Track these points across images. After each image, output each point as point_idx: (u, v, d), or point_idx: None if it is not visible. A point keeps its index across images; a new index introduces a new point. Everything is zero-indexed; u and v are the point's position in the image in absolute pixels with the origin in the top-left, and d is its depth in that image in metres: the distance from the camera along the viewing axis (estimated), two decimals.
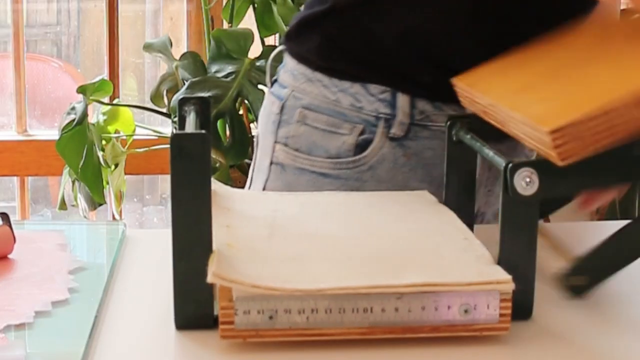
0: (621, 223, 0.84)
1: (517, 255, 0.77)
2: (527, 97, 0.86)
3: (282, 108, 1.17)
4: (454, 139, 0.94)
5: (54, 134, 2.26)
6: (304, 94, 1.15)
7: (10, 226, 0.94)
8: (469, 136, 0.91)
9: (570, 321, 0.84)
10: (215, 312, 0.78)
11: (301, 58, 1.16)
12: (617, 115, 0.76)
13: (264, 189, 1.19)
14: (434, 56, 1.09)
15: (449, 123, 0.94)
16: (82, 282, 0.88)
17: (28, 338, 0.77)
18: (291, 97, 1.17)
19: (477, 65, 0.99)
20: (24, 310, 0.81)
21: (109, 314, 0.83)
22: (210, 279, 0.75)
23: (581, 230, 1.15)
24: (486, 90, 0.91)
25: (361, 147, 1.12)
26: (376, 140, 1.11)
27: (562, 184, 0.80)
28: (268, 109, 1.20)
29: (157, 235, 1.07)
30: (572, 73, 0.87)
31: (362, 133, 1.12)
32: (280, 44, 1.37)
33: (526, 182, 0.79)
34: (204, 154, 0.76)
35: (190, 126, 0.88)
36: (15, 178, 2.57)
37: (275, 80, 1.21)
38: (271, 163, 1.18)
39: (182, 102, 0.95)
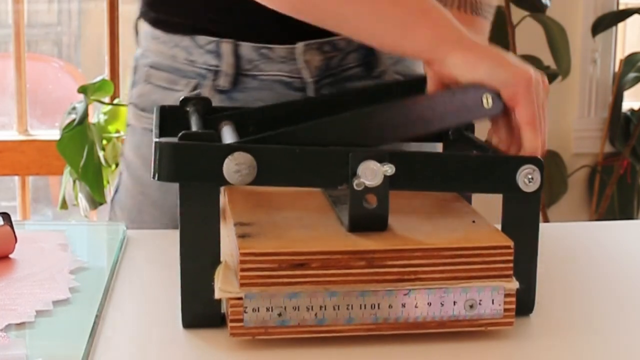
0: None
1: (519, 252, 0.78)
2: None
3: (135, 68, 1.16)
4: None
5: (54, 134, 2.26)
6: (150, 52, 1.13)
7: (11, 226, 0.94)
8: None
9: (571, 316, 0.84)
10: (222, 310, 0.79)
11: (142, 13, 1.14)
12: None
13: (122, 152, 1.18)
14: None
15: None
16: (83, 282, 0.88)
17: (29, 337, 0.78)
18: (142, 56, 1.15)
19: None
20: (25, 310, 0.81)
21: (109, 314, 0.83)
22: (217, 294, 0.76)
23: (581, 231, 1.15)
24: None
25: None
26: (203, 94, 1.07)
27: None
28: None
29: (157, 235, 1.07)
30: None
31: (195, 88, 1.09)
32: None
33: (529, 180, 0.79)
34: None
35: (195, 125, 0.89)
36: (16, 178, 2.57)
37: None
38: (127, 125, 1.17)
39: (184, 101, 0.96)
